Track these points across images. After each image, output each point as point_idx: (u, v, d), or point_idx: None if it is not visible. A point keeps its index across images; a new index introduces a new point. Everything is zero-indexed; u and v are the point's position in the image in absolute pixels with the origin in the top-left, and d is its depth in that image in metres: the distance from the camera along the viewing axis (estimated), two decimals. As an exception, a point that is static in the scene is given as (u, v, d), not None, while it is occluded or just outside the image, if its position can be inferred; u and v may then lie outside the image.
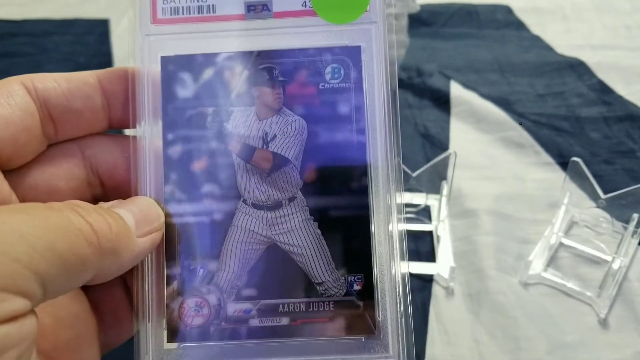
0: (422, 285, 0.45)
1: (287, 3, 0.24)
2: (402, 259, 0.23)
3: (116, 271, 0.21)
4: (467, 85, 0.64)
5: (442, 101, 0.62)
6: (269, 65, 0.24)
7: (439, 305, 0.44)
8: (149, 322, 0.23)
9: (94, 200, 0.25)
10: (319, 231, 0.24)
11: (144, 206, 0.22)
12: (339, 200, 0.24)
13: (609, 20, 0.73)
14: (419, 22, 0.73)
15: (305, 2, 0.24)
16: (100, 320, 0.24)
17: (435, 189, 0.50)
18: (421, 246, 0.48)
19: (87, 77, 0.23)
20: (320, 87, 0.24)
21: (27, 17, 0.76)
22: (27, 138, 0.22)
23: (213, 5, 0.24)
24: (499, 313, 0.42)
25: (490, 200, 0.51)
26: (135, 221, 0.21)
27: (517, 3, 0.77)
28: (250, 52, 0.24)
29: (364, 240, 0.24)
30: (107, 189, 0.25)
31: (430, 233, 0.49)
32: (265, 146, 0.24)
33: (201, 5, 0.24)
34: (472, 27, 0.74)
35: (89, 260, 0.18)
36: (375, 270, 0.23)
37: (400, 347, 0.23)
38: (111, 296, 0.24)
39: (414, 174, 0.49)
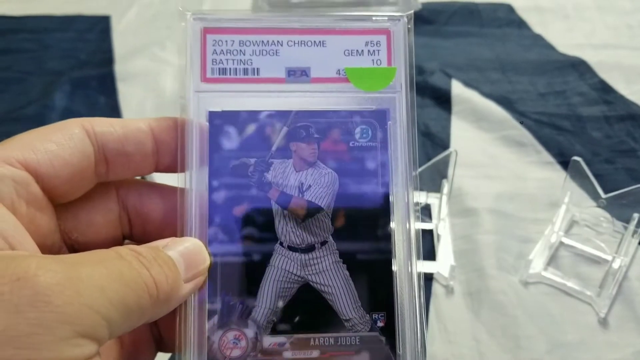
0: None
1: (323, 70, 0.27)
2: (420, 298, 0.26)
3: (161, 315, 0.22)
4: (468, 83, 0.64)
5: (443, 100, 0.62)
6: (306, 124, 0.27)
7: (439, 304, 0.44)
8: (191, 354, 0.24)
9: (122, 238, 0.27)
10: (347, 272, 0.26)
11: (193, 249, 0.24)
12: (365, 245, 0.27)
13: (611, 19, 0.73)
14: (420, 20, 0.73)
15: (339, 70, 0.27)
16: (120, 349, 0.25)
17: (436, 188, 0.50)
18: (421, 245, 0.48)
19: (140, 125, 0.25)
20: (351, 145, 0.27)
21: (28, 13, 0.76)
22: (81, 177, 0.24)
23: (257, 69, 0.27)
24: (499, 312, 0.42)
25: (491, 199, 0.51)
26: (185, 266, 0.23)
27: (519, 2, 0.77)
28: (289, 111, 0.27)
29: (386, 282, 0.26)
30: (135, 230, 0.26)
31: (430, 232, 0.49)
32: (301, 195, 0.27)
33: (247, 68, 0.27)
34: (473, 26, 0.74)
35: (147, 310, 0.21)
36: (397, 309, 0.26)
37: None
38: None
39: (415, 173, 0.49)
